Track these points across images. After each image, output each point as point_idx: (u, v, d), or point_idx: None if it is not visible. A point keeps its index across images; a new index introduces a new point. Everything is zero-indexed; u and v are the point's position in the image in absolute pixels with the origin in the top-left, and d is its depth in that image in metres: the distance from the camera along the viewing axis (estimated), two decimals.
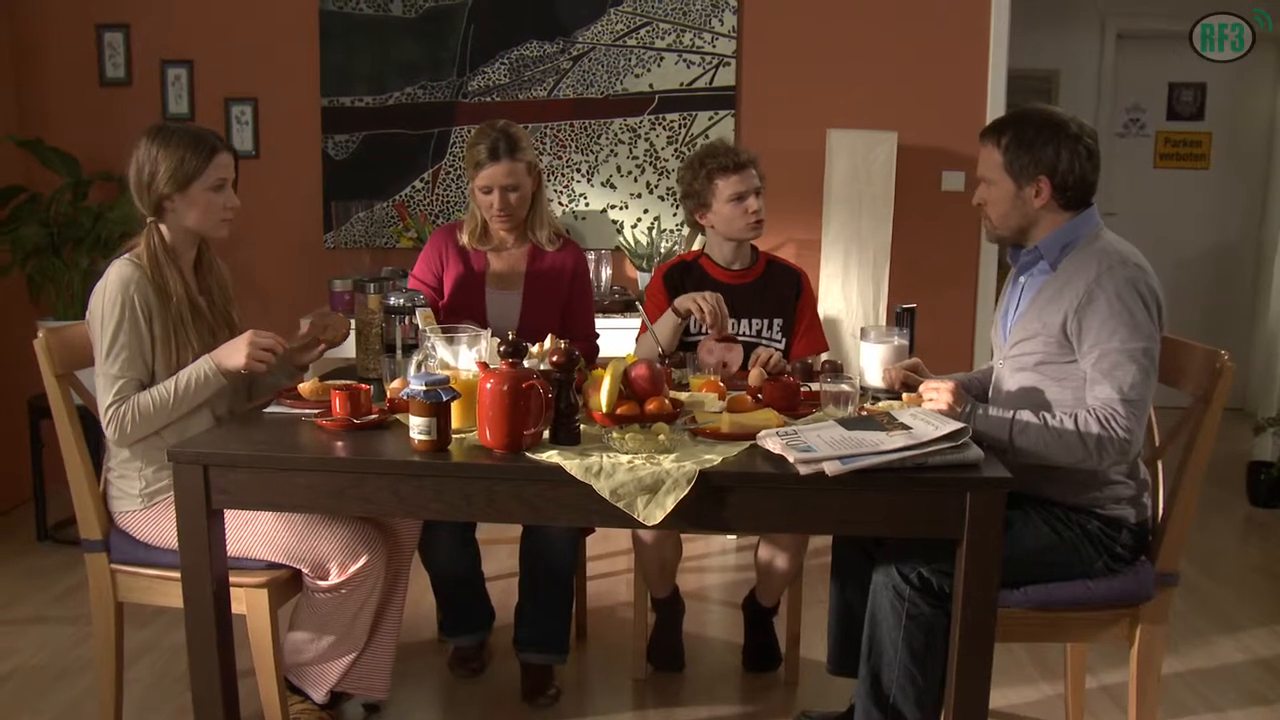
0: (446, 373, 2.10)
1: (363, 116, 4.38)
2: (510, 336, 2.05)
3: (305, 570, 2.32)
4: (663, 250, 4.26)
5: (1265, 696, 2.86)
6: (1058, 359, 2.21)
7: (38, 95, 4.39)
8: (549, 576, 2.76)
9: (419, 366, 2.12)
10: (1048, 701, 2.81)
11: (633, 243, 4.37)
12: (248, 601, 2.28)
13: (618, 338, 3.49)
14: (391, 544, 2.48)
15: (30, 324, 3.72)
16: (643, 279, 4.26)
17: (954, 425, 1.96)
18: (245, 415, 2.35)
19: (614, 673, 2.96)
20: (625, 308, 4.07)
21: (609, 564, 3.76)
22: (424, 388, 1.98)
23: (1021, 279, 2.37)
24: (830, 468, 1.87)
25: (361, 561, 2.30)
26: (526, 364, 2.12)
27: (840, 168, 4.06)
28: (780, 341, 2.90)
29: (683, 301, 2.75)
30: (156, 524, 2.32)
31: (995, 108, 4.34)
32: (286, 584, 2.34)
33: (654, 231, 4.40)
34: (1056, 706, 2.76)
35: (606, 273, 4.26)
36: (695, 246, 4.25)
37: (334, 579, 2.31)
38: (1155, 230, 5.96)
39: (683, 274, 2.97)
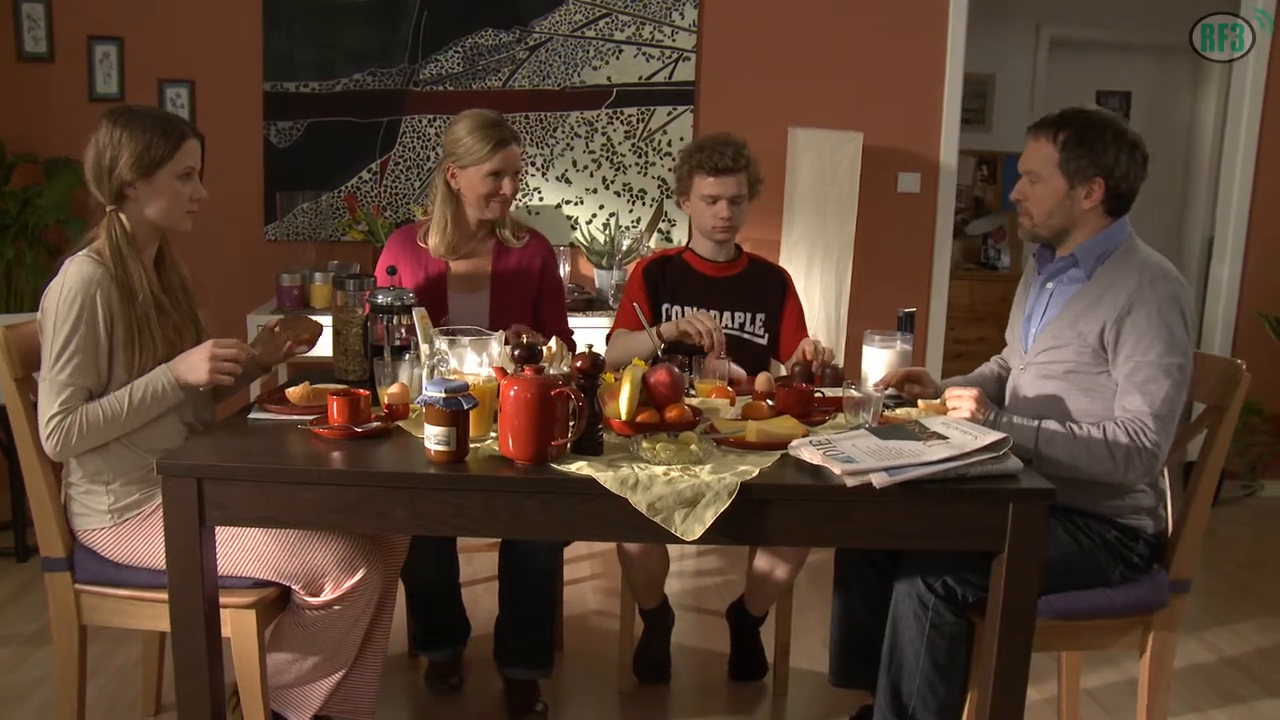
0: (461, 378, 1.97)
1: (308, 103, 4.17)
2: (525, 339, 1.93)
3: (297, 587, 2.16)
4: (622, 248, 4.16)
5: (1239, 695, 2.91)
6: (1089, 369, 2.19)
7: None
8: (532, 586, 2.64)
9: (432, 372, 1.98)
10: (1035, 707, 2.79)
11: (588, 239, 4.26)
12: (233, 623, 2.12)
13: (579, 337, 3.36)
14: (385, 555, 2.33)
15: None
16: (600, 276, 4.15)
17: (993, 435, 1.91)
18: (229, 424, 2.18)
19: (598, 685, 2.86)
20: (585, 306, 3.96)
21: (573, 569, 3.65)
22: (443, 395, 1.85)
23: (1050, 285, 2.33)
24: (878, 479, 1.81)
25: (359, 575, 2.15)
26: None
27: (805, 167, 4.02)
28: (763, 336, 2.88)
29: (670, 329, 2.67)
30: (129, 542, 2.14)
31: (951, 110, 4.36)
32: (274, 603, 2.18)
33: (611, 228, 4.29)
34: (1045, 712, 2.75)
35: (564, 270, 4.14)
36: (653, 245, 4.20)
37: (328, 595, 2.15)
38: None
39: (663, 268, 2.91)
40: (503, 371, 1.95)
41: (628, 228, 4.33)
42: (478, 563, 3.58)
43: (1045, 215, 2.24)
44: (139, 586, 2.14)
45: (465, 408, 1.86)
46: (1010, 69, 6.20)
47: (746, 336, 2.87)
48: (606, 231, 4.29)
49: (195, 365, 2.12)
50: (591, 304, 3.98)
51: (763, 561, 2.67)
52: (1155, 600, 2.22)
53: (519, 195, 4.22)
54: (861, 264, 4.22)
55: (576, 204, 4.33)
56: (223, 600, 2.07)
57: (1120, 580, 2.21)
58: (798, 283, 4.02)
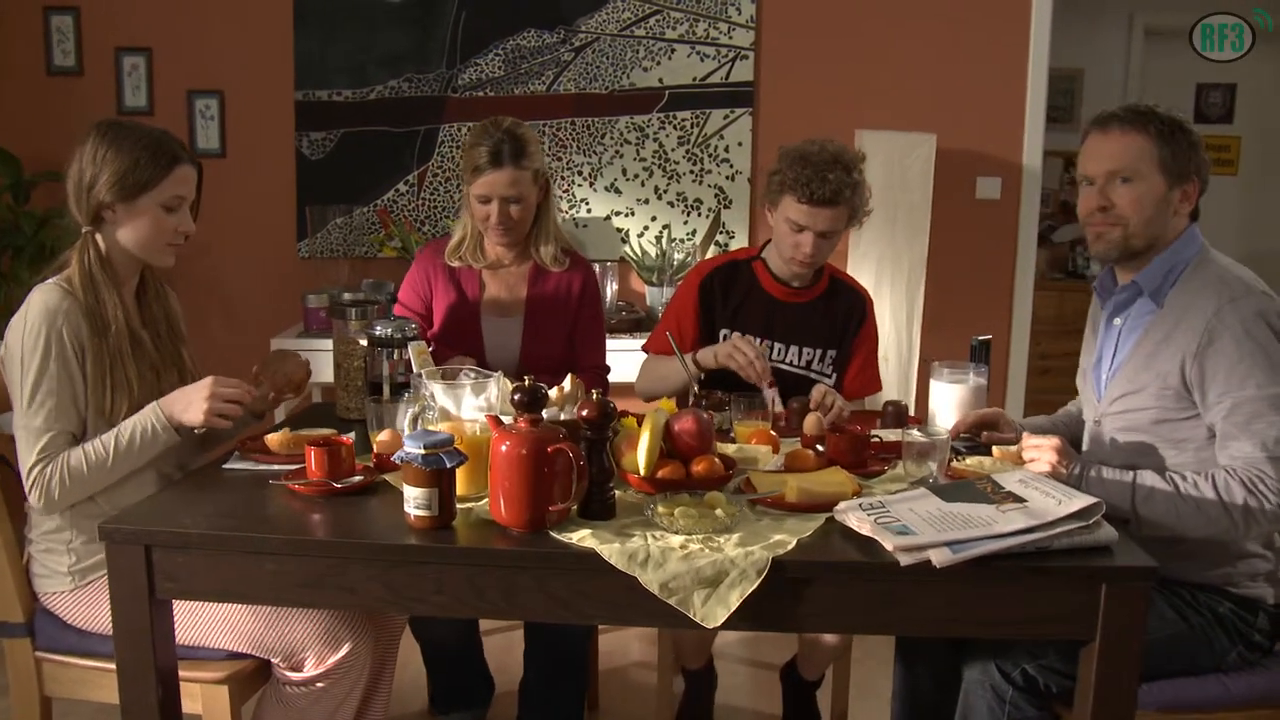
0: (448, 429, 1.70)
1: (341, 112, 3.96)
2: (527, 382, 1.65)
3: (276, 661, 1.91)
4: (674, 262, 3.87)
5: None
6: (1174, 415, 1.84)
7: None
8: (560, 646, 2.38)
9: (415, 421, 1.72)
10: None
11: (639, 253, 3.98)
12: (204, 699, 1.89)
13: (624, 361, 3.07)
14: (378, 625, 2.07)
15: None
16: (651, 293, 3.87)
17: (1083, 499, 1.58)
18: (199, 474, 1.94)
19: None
20: (634, 326, 3.68)
21: None
22: (423, 451, 1.58)
23: (1117, 321, 1.98)
24: (938, 557, 1.49)
25: (344, 651, 1.90)
26: (545, 414, 1.73)
27: (873, 173, 3.64)
28: (830, 376, 2.50)
29: (709, 357, 2.34)
30: (91, 606, 1.91)
31: (1035, 109, 3.98)
32: (252, 676, 1.94)
33: (663, 241, 4.00)
34: None
35: (612, 287, 3.87)
36: (710, 254, 3.88)
37: (310, 671, 1.90)
38: None
39: (726, 281, 2.52)
40: (496, 421, 1.68)
41: (682, 240, 4.03)
42: None
43: (1145, 223, 1.86)
44: (104, 656, 1.91)
45: (449, 465, 1.59)
46: (1101, 63, 5.75)
47: (814, 377, 2.49)
48: (659, 245, 3.99)
49: (191, 404, 1.89)
50: (640, 324, 3.69)
51: None
52: None
53: (568, 208, 3.98)
54: (935, 278, 3.85)
55: (627, 215, 4.05)
56: (194, 673, 1.86)
57: (1238, 663, 1.86)
58: None
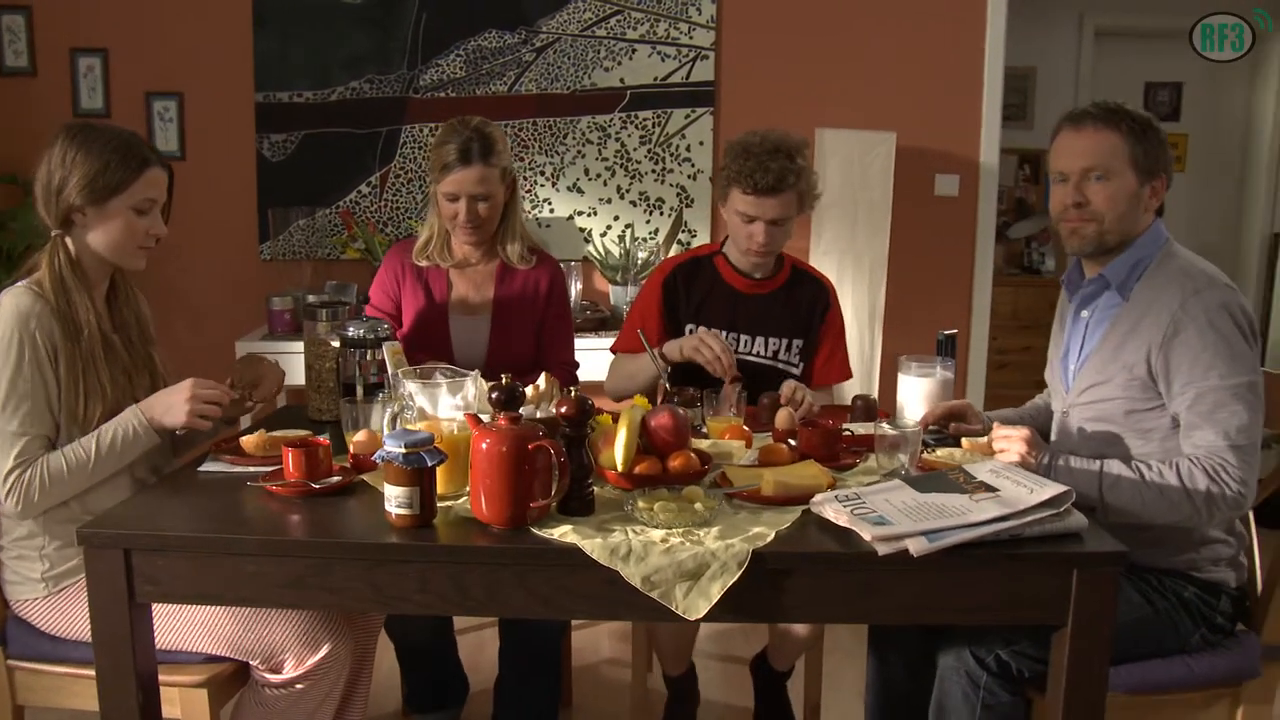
0: (425, 428, 1.71)
1: (302, 113, 3.93)
2: (504, 380, 1.67)
3: (255, 663, 1.91)
4: (638, 261, 3.89)
5: None
6: (1141, 406, 1.89)
7: None
8: (534, 644, 2.38)
9: (394, 420, 1.72)
10: None
11: (603, 253, 3.99)
12: (183, 704, 1.88)
13: (590, 360, 3.08)
14: (356, 625, 2.07)
15: None
16: (615, 292, 3.88)
17: (1053, 488, 1.62)
18: (176, 477, 1.93)
19: None
20: (598, 325, 3.69)
21: None
22: (403, 450, 1.58)
23: (1084, 313, 2.03)
24: (915, 546, 1.53)
25: (323, 652, 1.90)
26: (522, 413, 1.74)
27: (833, 171, 3.72)
28: (797, 366, 2.53)
29: (674, 350, 2.36)
30: (65, 613, 1.90)
31: (991, 107, 4.05)
32: (230, 679, 1.93)
33: (626, 240, 4.02)
34: None
35: (576, 286, 3.88)
36: (672, 253, 3.91)
37: (290, 672, 1.90)
38: None
39: (689, 277, 2.54)
40: (475, 419, 1.69)
41: (644, 239, 4.05)
42: None
43: (1119, 218, 1.91)
44: (78, 663, 1.90)
45: (429, 464, 1.60)
46: (1052, 62, 5.86)
47: (780, 367, 2.52)
48: (621, 244, 4.01)
49: (172, 406, 1.89)
50: (605, 323, 3.71)
51: None
52: (1245, 669, 1.91)
53: (530, 208, 3.98)
54: (895, 276, 3.91)
55: (589, 215, 4.06)
56: (172, 678, 1.85)
57: (1201, 645, 1.91)
58: None
